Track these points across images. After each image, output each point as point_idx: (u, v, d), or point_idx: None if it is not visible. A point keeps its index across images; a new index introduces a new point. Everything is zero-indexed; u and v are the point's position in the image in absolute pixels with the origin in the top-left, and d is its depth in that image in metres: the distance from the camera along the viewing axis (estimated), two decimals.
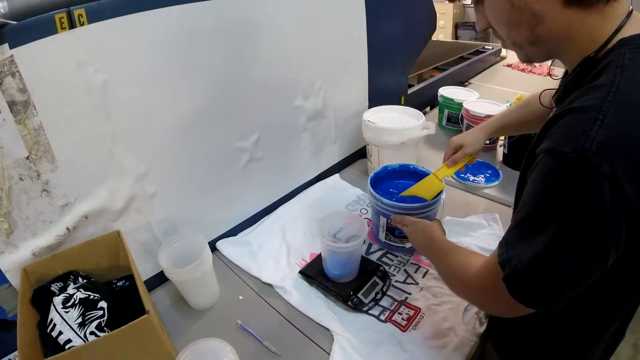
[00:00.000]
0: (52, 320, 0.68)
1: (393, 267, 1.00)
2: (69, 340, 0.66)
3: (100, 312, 0.70)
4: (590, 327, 0.65)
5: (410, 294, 0.92)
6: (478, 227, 1.08)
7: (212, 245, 1.08)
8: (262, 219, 1.19)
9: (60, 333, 0.66)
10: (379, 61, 1.41)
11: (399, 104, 1.61)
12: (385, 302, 0.90)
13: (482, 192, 1.27)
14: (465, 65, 2.18)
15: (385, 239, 1.03)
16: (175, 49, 0.85)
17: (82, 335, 0.67)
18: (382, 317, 0.87)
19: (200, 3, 0.85)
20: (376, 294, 0.90)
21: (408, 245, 1.01)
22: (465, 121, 1.50)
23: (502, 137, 1.43)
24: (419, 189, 0.96)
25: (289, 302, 0.91)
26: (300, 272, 0.97)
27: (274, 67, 1.07)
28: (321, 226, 0.91)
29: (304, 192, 1.30)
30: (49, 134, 0.71)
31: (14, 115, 0.67)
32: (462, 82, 2.13)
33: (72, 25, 0.69)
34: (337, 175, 1.39)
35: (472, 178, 1.31)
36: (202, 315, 0.90)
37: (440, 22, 3.70)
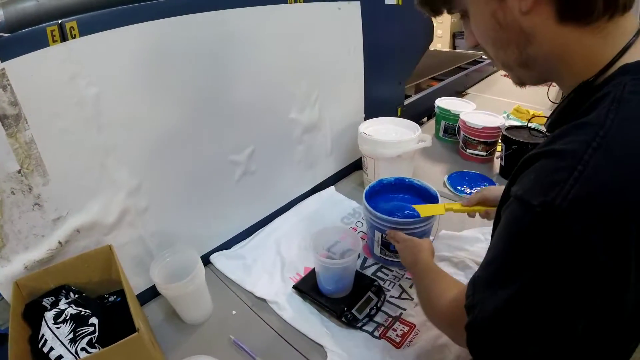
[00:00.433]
0: (43, 335, 0.67)
1: (388, 282, 0.99)
2: (60, 357, 0.65)
3: (92, 329, 0.69)
4: None
5: (405, 309, 0.91)
6: (474, 241, 1.07)
7: (206, 259, 1.07)
8: (256, 232, 1.18)
9: (52, 349, 0.66)
10: (375, 72, 1.41)
11: (396, 115, 1.61)
12: (379, 317, 0.89)
13: None
14: (463, 75, 2.18)
15: (381, 253, 1.02)
16: (167, 62, 0.84)
17: (73, 352, 0.66)
18: (376, 334, 0.86)
19: (194, 15, 0.85)
20: (370, 309, 0.89)
21: None
22: (462, 132, 1.50)
23: (499, 149, 1.43)
24: (424, 209, 0.94)
25: (282, 318, 0.90)
26: (293, 287, 0.96)
27: (269, 79, 1.06)
28: (314, 242, 0.90)
29: (299, 204, 1.29)
30: (41, 147, 0.71)
31: (6, 129, 0.66)
32: (459, 92, 2.14)
33: (63, 38, 0.69)
34: (332, 188, 1.39)
35: (468, 191, 1.31)
36: (196, 330, 0.89)
37: (437, 32, 3.71)
